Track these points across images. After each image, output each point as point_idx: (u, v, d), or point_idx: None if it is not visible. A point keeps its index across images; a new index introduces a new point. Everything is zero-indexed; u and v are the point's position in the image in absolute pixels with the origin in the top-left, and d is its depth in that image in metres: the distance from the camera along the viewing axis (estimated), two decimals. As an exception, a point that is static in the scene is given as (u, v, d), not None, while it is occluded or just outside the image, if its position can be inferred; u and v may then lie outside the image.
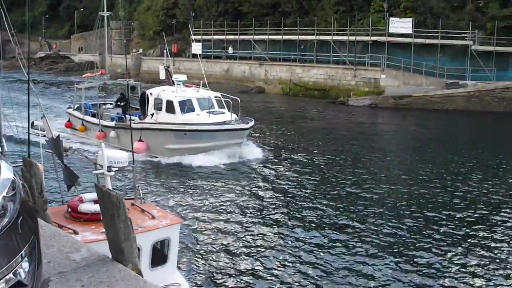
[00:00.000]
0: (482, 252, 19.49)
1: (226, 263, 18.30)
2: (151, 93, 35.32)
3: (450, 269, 18.02)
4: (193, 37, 79.93)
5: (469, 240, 20.61)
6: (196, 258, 18.58)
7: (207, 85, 36.02)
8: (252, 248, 19.70)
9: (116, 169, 12.73)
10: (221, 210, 24.09)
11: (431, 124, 50.03)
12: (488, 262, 18.61)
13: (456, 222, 22.56)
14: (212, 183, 28.76)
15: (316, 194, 26.46)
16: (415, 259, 18.67)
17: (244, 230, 21.63)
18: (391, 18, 63.69)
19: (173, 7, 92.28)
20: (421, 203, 25.15)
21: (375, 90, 62.33)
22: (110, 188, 9.18)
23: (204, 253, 19.07)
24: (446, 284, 16.87)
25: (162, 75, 39.09)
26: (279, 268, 17.98)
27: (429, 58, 61.75)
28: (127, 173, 25.89)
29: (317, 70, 69.07)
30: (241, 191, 27.27)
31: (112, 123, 37.15)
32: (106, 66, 50.71)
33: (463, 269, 17.99)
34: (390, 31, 63.40)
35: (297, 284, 16.88)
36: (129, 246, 5.54)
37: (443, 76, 59.83)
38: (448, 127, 48.82)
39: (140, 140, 33.02)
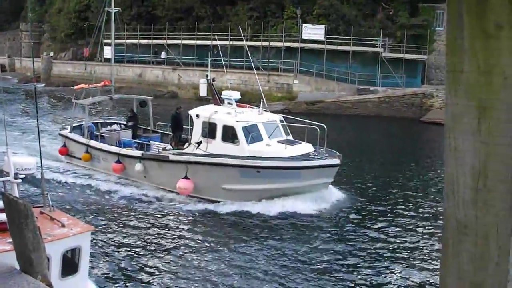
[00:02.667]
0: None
1: (142, 271, 18.00)
2: (197, 115, 27.37)
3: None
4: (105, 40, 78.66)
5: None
6: (109, 266, 18.22)
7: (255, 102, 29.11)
8: (166, 255, 19.49)
9: (24, 176, 12.30)
10: (135, 218, 23.82)
11: (343, 128, 50.72)
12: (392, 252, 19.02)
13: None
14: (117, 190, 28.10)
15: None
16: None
17: (154, 235, 21.42)
18: (304, 25, 64.37)
19: (86, 9, 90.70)
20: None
21: (288, 95, 62.83)
22: (18, 196, 8.86)
23: (118, 261, 18.73)
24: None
25: (203, 91, 31.22)
26: (194, 273, 17.82)
27: (341, 65, 62.70)
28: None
29: (230, 76, 69.02)
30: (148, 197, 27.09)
31: (137, 152, 29.26)
32: (112, 76, 37.42)
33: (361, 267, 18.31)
34: (303, 37, 64.08)
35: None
36: (38, 257, 5.32)
37: (354, 82, 61.04)
38: (359, 131, 49.66)
39: (186, 178, 26.11)
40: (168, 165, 27.27)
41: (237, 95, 29.69)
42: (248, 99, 64.71)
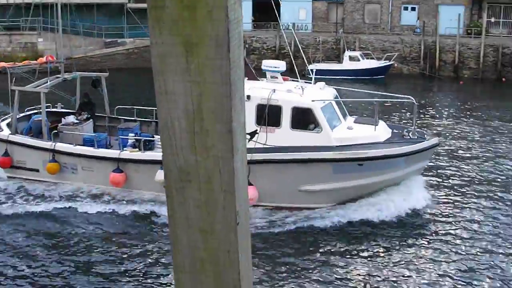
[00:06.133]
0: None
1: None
2: (248, 96, 19.49)
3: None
4: None
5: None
6: None
7: None
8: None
9: None
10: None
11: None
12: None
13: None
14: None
15: None
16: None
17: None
18: (44, -22, 62.39)
19: None
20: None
21: (33, 55, 60.81)
22: None
23: None
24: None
25: None
26: None
27: (86, 19, 61.56)
28: None
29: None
30: None
31: (153, 155, 20.95)
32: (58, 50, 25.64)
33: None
34: (43, -8, 62.12)
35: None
36: None
37: (101, 35, 60.41)
38: (113, 86, 49.26)
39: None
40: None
41: (282, 65, 21.62)
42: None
